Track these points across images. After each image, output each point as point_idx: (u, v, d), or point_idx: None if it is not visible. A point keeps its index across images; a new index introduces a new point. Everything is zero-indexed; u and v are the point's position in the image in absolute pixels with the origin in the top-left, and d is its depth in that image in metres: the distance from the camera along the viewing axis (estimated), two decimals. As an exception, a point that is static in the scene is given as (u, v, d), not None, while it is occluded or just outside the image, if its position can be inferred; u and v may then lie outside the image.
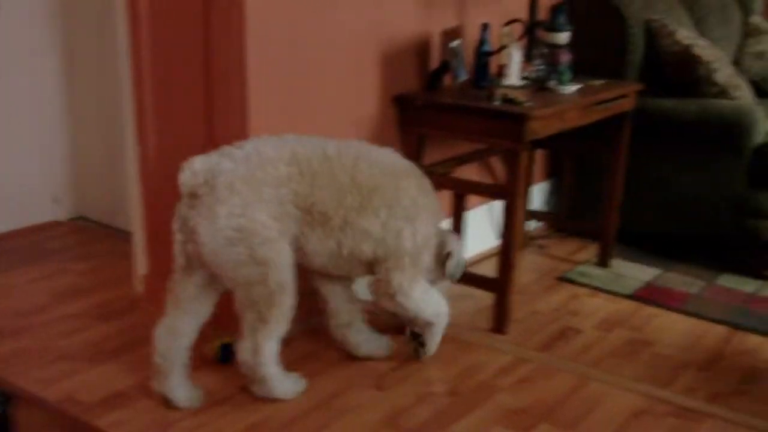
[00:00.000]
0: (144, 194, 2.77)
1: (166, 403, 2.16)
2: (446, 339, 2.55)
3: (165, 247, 2.26)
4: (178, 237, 2.05)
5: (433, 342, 2.43)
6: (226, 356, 2.37)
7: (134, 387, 2.27)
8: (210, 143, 2.41)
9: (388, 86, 2.85)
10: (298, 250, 2.11)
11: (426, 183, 2.32)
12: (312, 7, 2.50)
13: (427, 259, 2.31)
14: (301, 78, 2.52)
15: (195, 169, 1.99)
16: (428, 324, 2.37)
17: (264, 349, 2.09)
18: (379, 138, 2.80)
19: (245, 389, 2.23)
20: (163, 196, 2.50)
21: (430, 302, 2.33)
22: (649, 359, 2.62)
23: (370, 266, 2.24)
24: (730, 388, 2.47)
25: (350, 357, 2.46)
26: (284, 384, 2.19)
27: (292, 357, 2.37)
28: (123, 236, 3.31)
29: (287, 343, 2.23)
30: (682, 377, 2.51)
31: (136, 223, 2.85)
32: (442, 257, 2.41)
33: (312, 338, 2.57)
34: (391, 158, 2.27)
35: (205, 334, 2.21)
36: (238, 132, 2.38)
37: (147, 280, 2.85)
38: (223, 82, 2.42)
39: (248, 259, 1.99)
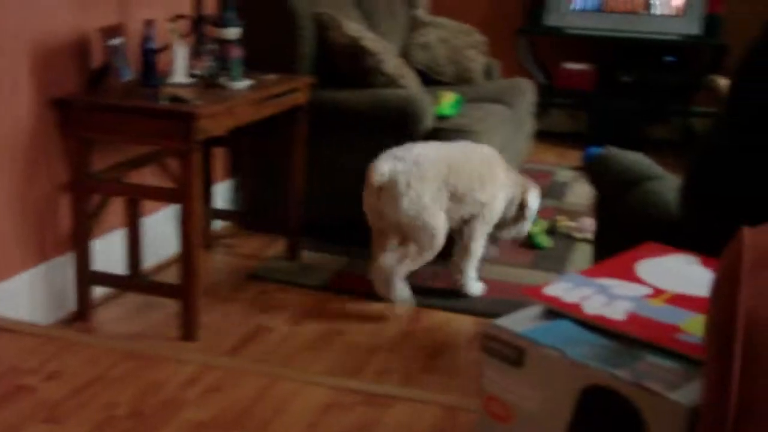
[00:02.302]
0: None
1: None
2: (128, 356, 2.34)
3: None
4: (369, 216, 2.87)
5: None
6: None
7: None
8: None
9: (44, 88, 2.56)
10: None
11: (503, 163, 3.09)
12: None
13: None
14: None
15: (383, 171, 2.74)
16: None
17: (406, 269, 2.83)
18: (35, 145, 2.52)
19: None
20: None
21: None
22: (342, 348, 2.57)
23: (465, 222, 2.99)
24: (420, 365, 2.47)
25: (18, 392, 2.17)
26: (404, 291, 2.85)
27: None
28: None
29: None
30: (374, 362, 2.48)
31: None
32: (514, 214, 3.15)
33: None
34: (485, 150, 3.05)
35: None
36: None
37: None
38: None
39: (422, 225, 2.76)
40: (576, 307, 1.28)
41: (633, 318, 1.24)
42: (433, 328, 2.75)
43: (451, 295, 2.98)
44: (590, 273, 1.42)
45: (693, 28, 5.06)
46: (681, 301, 1.31)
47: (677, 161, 3.12)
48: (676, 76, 5.18)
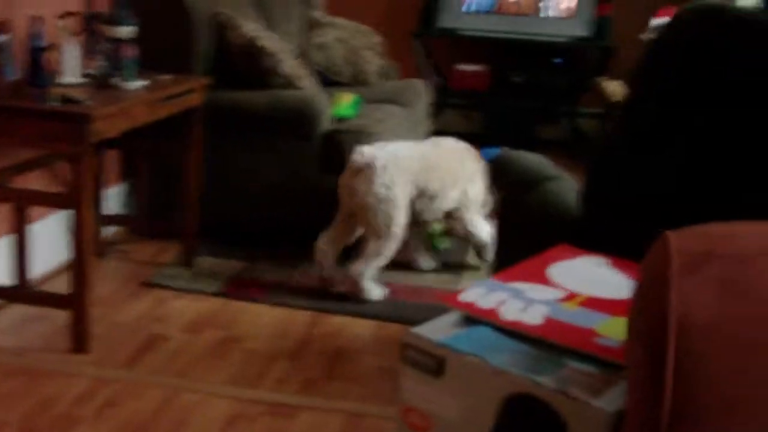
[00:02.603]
0: None
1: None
2: (16, 371, 2.21)
3: None
4: (342, 195, 2.95)
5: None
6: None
7: None
8: None
9: None
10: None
11: (474, 151, 3.31)
12: None
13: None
14: None
15: (365, 152, 2.90)
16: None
17: (371, 268, 2.93)
18: None
19: None
20: None
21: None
22: (241, 356, 2.49)
23: (449, 214, 3.19)
24: (321, 372, 2.42)
25: None
26: (374, 290, 2.95)
27: None
28: None
29: None
30: (274, 370, 2.42)
31: None
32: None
33: None
34: (455, 145, 3.26)
35: None
36: None
37: None
38: None
39: (385, 211, 2.87)
40: (493, 313, 1.26)
41: (550, 323, 1.23)
42: (333, 334, 2.69)
43: (351, 300, 2.93)
44: (503, 277, 1.40)
45: (583, 30, 5.17)
46: (595, 303, 1.30)
47: (567, 161, 3.17)
48: (564, 78, 5.28)
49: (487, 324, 1.24)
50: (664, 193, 1.77)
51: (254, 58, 3.38)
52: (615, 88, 4.79)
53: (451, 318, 1.28)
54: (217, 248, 3.29)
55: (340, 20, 4.50)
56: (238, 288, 2.98)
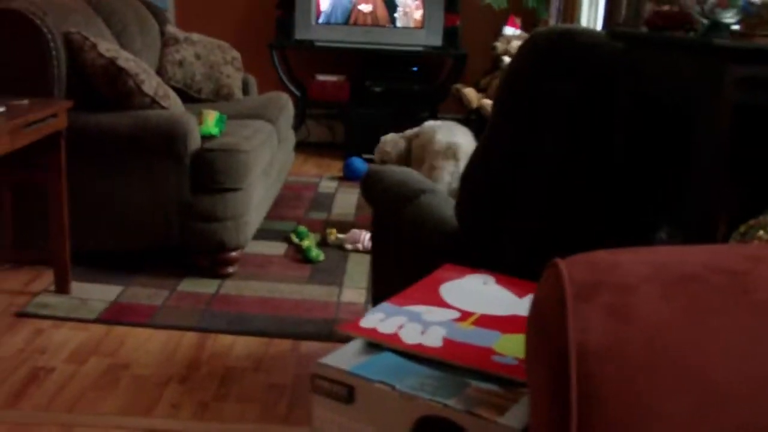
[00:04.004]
0: None
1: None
2: None
3: None
4: None
5: None
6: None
7: None
8: None
9: None
10: None
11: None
12: None
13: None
14: None
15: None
16: None
17: None
18: None
19: None
20: None
21: None
22: (130, 384, 2.46)
23: None
24: (214, 394, 2.42)
25: None
26: None
27: None
28: None
29: None
30: (166, 395, 2.40)
31: None
32: None
33: None
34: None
35: None
36: None
37: None
38: None
39: None
40: (395, 337, 1.32)
41: (449, 344, 1.30)
42: (221, 354, 2.69)
43: (235, 318, 2.94)
44: (399, 301, 1.46)
45: (434, 39, 5.33)
46: (487, 322, 1.38)
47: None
48: (421, 85, 5.43)
49: (390, 349, 1.30)
50: (528, 210, 1.88)
51: (115, 79, 3.30)
52: (472, 95, 4.97)
53: (355, 345, 1.33)
54: (91, 274, 3.23)
55: (196, 35, 4.46)
56: (118, 313, 2.93)
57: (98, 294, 3.08)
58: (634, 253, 1.02)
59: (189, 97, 4.12)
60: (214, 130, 3.42)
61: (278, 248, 3.69)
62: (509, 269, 1.63)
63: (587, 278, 0.99)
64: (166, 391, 2.43)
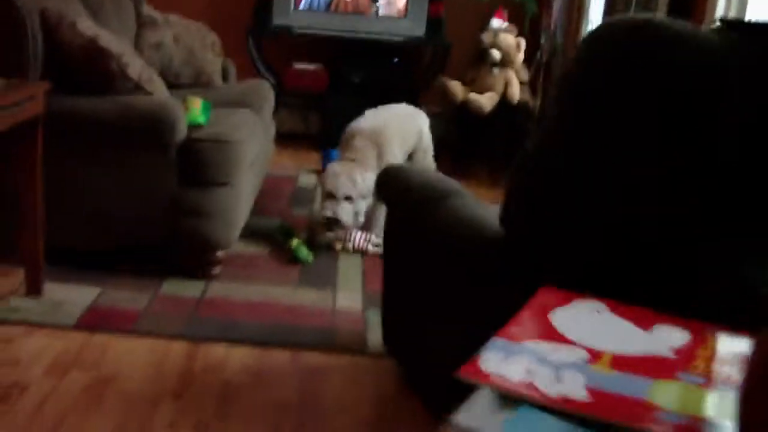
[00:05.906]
0: None
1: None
2: None
3: None
4: None
5: None
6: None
7: None
8: None
9: None
10: None
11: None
12: None
13: None
14: None
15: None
16: None
17: None
18: None
19: None
20: None
21: None
22: (119, 401, 2.17)
23: None
24: (213, 413, 2.15)
25: None
26: None
27: None
28: None
29: None
30: (160, 413, 2.12)
31: None
32: None
33: None
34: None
35: None
36: None
37: None
38: None
39: None
40: (531, 387, 1.06)
41: (596, 395, 1.05)
42: (216, 366, 2.42)
43: (225, 325, 2.66)
44: (513, 335, 1.20)
45: (417, 29, 5.07)
46: (625, 364, 1.13)
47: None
48: (402, 77, 5.17)
49: (529, 403, 1.04)
50: (602, 217, 1.65)
51: (95, 61, 2.97)
52: (457, 88, 4.73)
53: (484, 397, 1.07)
54: (66, 274, 2.90)
55: (173, 17, 4.13)
56: (98, 318, 2.63)
57: (74, 296, 2.76)
58: None
59: (167, 82, 3.79)
60: (201, 119, 3.12)
61: (262, 247, 3.40)
62: (571, 282, 1.40)
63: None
64: (160, 410, 2.15)
